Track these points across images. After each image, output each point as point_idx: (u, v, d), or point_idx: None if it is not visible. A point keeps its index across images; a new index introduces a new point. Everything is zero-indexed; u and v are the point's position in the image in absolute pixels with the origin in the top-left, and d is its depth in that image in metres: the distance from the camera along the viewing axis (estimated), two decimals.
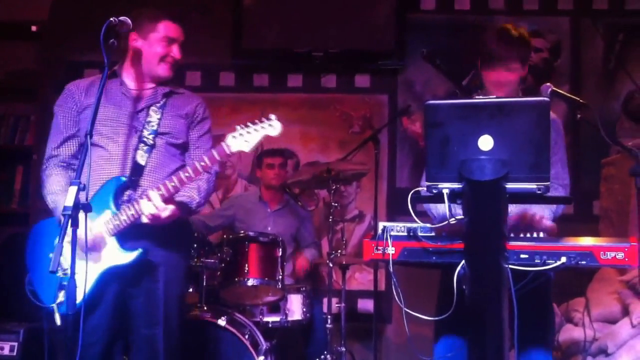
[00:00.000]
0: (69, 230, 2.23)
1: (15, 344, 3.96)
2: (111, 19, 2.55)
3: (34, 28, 4.86)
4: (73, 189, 2.24)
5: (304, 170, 4.52)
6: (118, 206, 2.71)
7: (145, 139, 2.80)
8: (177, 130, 2.89)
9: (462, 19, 5.19)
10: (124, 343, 2.84)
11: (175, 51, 2.87)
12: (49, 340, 2.71)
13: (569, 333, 3.82)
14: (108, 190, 2.72)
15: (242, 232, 4.11)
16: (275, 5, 5.08)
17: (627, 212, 4.19)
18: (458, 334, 2.65)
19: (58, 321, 2.52)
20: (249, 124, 2.65)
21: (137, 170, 2.77)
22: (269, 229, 4.53)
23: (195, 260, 3.86)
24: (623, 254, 2.12)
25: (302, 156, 5.20)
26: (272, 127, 2.65)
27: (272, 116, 2.65)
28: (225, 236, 3.99)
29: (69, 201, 2.21)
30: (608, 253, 2.13)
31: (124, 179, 2.73)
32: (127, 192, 2.75)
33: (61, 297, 2.53)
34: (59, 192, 2.75)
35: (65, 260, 2.58)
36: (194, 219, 4.65)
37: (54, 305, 2.50)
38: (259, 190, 4.80)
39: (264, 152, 4.78)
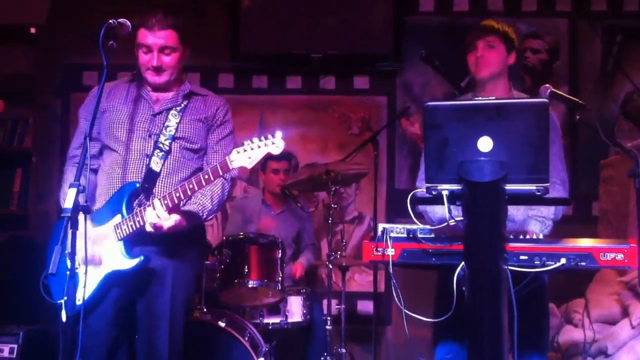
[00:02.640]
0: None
1: (15, 346, 3.95)
2: (110, 20, 2.56)
3: (32, 30, 4.85)
4: (72, 191, 2.23)
5: (303, 172, 4.51)
6: (130, 211, 2.70)
7: (160, 145, 2.78)
8: (194, 135, 2.85)
9: (460, 20, 5.19)
10: (130, 346, 2.83)
11: (150, 59, 2.76)
12: (63, 339, 2.69)
13: (569, 334, 3.81)
14: (122, 195, 2.73)
15: (241, 233, 4.10)
16: (273, 7, 5.08)
17: (626, 214, 4.19)
18: (457, 339, 2.65)
19: (64, 317, 2.50)
20: (254, 139, 2.58)
21: (151, 176, 2.77)
22: (273, 231, 4.52)
23: None
24: (622, 255, 2.13)
25: (301, 158, 5.19)
26: (275, 145, 2.58)
27: (278, 134, 2.57)
28: (224, 238, 3.98)
29: (69, 203, 2.22)
30: (607, 254, 2.14)
31: (137, 184, 2.73)
32: (140, 198, 2.75)
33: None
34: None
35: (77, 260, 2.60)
36: None
37: (62, 302, 2.48)
38: (262, 194, 4.80)
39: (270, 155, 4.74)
